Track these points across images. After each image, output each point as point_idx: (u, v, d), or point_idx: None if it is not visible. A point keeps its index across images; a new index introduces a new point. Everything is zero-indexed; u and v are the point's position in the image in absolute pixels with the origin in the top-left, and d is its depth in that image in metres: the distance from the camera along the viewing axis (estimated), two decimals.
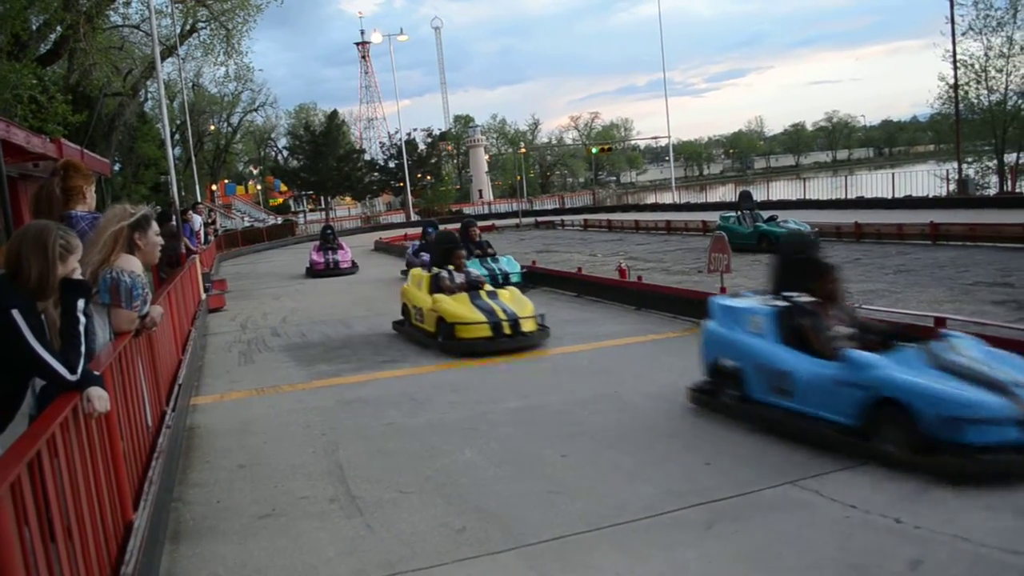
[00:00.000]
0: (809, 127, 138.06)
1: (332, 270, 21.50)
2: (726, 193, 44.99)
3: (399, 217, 54.35)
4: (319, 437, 6.71)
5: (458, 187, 79.59)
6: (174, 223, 14.29)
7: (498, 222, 42.24)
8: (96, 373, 3.28)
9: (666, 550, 4.26)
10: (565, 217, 41.49)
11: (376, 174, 61.00)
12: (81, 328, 3.27)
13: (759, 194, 40.12)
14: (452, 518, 4.81)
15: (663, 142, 63.92)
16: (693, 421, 6.50)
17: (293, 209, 67.79)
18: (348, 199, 65.27)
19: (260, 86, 58.98)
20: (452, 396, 7.85)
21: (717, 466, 5.41)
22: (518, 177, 65.01)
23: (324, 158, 55.13)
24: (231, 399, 8.41)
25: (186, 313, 10.11)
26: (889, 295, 11.59)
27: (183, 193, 38.15)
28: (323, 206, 61.02)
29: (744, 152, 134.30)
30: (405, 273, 16.73)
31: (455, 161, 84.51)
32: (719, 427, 6.24)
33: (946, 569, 3.84)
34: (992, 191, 31.29)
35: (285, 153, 64.77)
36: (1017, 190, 30.00)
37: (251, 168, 72.82)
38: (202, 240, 17.60)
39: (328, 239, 22.89)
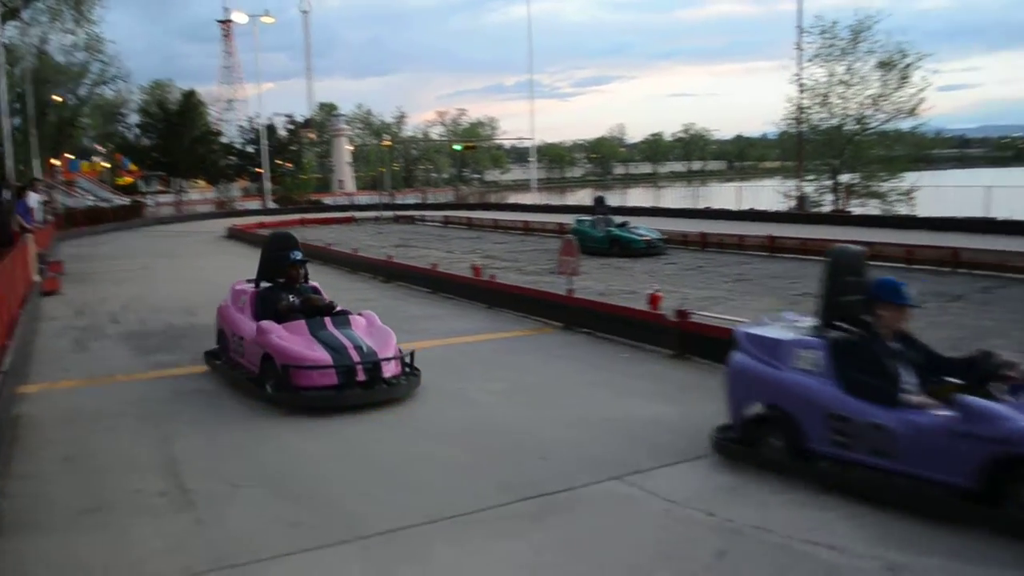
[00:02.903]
0: (667, 137, 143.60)
1: (364, 386, 7.13)
2: (585, 196, 46.13)
3: (256, 203, 52.86)
4: (153, 429, 6.53)
5: (319, 176, 77.97)
6: (5, 197, 13.45)
7: (358, 214, 41.76)
8: None
9: (496, 541, 4.43)
10: (426, 213, 41.46)
11: (233, 158, 58.98)
12: None
13: (617, 200, 41.42)
14: (287, 511, 4.81)
15: (528, 143, 64.96)
16: (529, 416, 6.72)
17: (142, 190, 64.64)
18: (202, 182, 62.84)
19: (112, 58, 55.90)
20: None
21: (551, 461, 5.62)
22: (381, 169, 64.35)
23: (178, 138, 52.84)
24: (61, 388, 8.04)
25: (14, 295, 9.57)
26: (726, 302, 12.26)
27: (21, 167, 35.76)
28: (175, 188, 58.46)
29: (605, 158, 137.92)
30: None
31: (317, 150, 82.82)
32: (556, 424, 6.48)
33: (749, 558, 4.17)
34: (827, 208, 33.46)
35: (137, 131, 61.58)
36: (848, 209, 32.22)
37: (96, 146, 68.75)
38: (37, 218, 16.57)
39: (291, 267, 8.22)
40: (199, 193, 63.03)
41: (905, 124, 34.24)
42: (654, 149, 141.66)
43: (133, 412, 7.05)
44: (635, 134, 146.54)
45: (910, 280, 14.11)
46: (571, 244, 11.13)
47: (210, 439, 6.26)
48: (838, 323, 5.22)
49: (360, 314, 7.95)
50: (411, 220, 38.94)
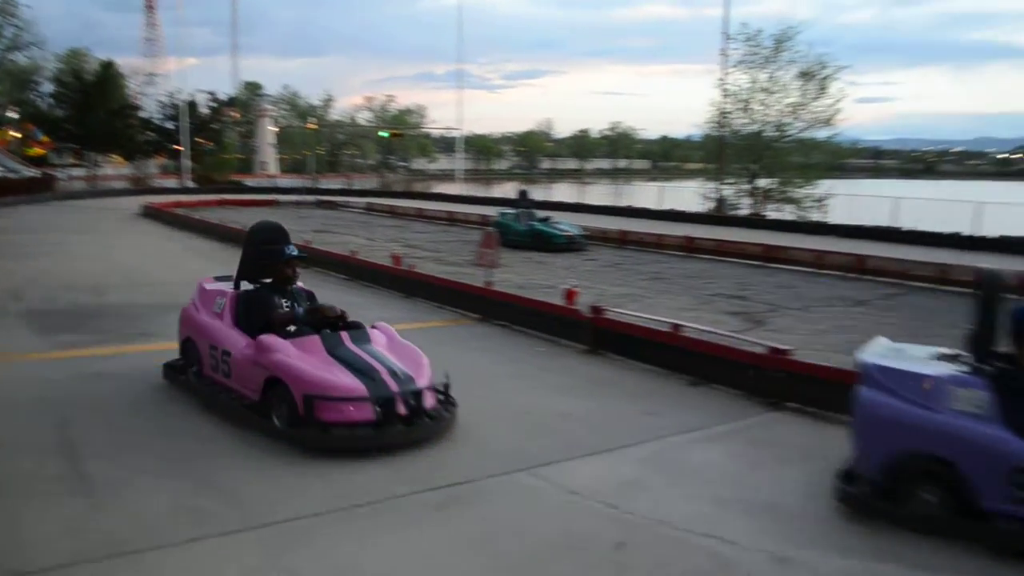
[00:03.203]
0: (594, 134, 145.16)
1: (405, 422, 5.80)
2: (511, 189, 46.30)
3: (173, 182, 51.50)
4: (51, 411, 6.30)
5: (241, 156, 76.27)
6: None
7: (280, 197, 41.02)
8: None
9: (396, 531, 4.44)
10: (349, 198, 40.96)
11: (151, 134, 57.27)
12: None
13: (542, 194, 41.68)
14: (188, 498, 4.73)
15: (455, 133, 64.80)
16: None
17: (54, 162, 62.20)
18: (117, 157, 60.83)
19: (27, 23, 53.51)
20: None
21: (460, 452, 5.66)
22: (306, 152, 63.34)
23: (94, 110, 51.05)
24: None
25: None
26: (642, 299, 12.46)
27: None
28: (89, 162, 56.42)
29: (532, 152, 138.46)
30: None
31: (240, 129, 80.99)
32: (467, 415, 6.49)
33: (646, 550, 4.29)
34: (744, 212, 34.33)
35: (50, 100, 59.15)
36: (763, 213, 33.13)
37: (11, 109, 65.72)
38: None
39: (285, 265, 6.71)
40: (114, 168, 61.00)
41: (821, 133, 35.46)
42: (581, 145, 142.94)
43: (30, 393, 6.79)
44: (562, 129, 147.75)
45: (816, 285, 14.67)
46: (491, 237, 11.18)
47: (111, 423, 6.08)
48: (990, 357, 4.54)
49: (374, 327, 6.52)
50: (334, 205, 38.44)
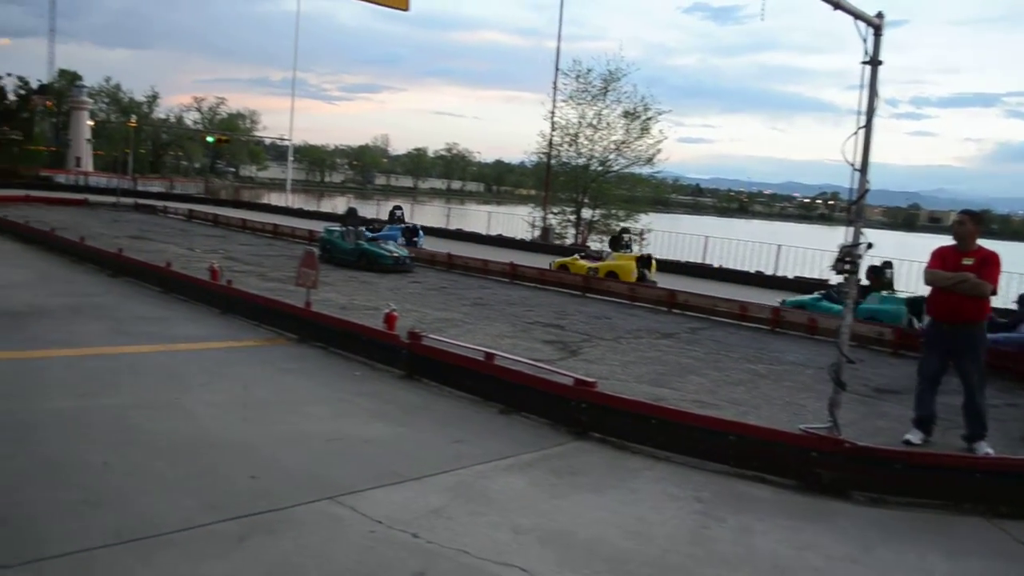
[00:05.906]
0: (431, 154, 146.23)
1: None
2: (341, 204, 45.79)
3: None
4: None
5: (54, 149, 71.21)
6: None
7: (93, 197, 38.69)
8: None
9: (194, 563, 4.33)
10: (170, 204, 39.14)
11: None
12: None
13: (374, 212, 41.45)
14: None
15: (287, 142, 63.32)
16: (248, 432, 6.61)
17: None
18: None
19: None
20: None
21: (264, 480, 5.58)
22: (126, 151, 60.01)
23: None
24: None
25: None
26: (462, 325, 12.67)
27: None
28: None
29: (368, 167, 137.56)
30: None
31: (53, 120, 75.64)
32: (275, 442, 6.43)
33: None
34: (569, 241, 35.51)
35: None
36: (587, 243, 34.42)
37: None
38: None
39: None
40: None
41: (643, 170, 37.28)
42: (416, 164, 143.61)
43: None
44: (399, 146, 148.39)
45: (629, 317, 15.36)
46: (312, 256, 11.05)
47: None
48: None
49: None
50: (153, 210, 36.62)
